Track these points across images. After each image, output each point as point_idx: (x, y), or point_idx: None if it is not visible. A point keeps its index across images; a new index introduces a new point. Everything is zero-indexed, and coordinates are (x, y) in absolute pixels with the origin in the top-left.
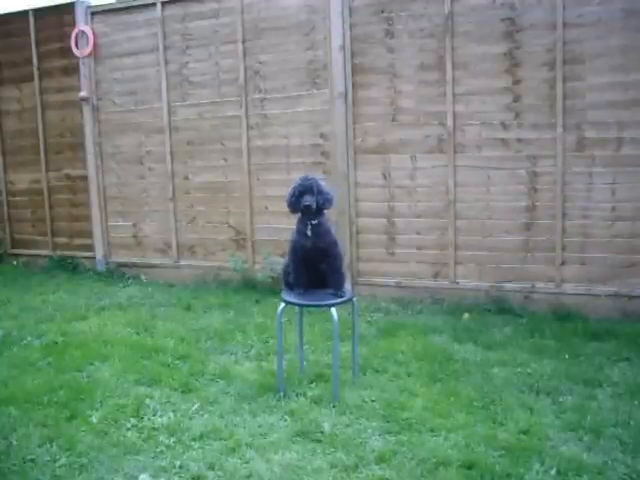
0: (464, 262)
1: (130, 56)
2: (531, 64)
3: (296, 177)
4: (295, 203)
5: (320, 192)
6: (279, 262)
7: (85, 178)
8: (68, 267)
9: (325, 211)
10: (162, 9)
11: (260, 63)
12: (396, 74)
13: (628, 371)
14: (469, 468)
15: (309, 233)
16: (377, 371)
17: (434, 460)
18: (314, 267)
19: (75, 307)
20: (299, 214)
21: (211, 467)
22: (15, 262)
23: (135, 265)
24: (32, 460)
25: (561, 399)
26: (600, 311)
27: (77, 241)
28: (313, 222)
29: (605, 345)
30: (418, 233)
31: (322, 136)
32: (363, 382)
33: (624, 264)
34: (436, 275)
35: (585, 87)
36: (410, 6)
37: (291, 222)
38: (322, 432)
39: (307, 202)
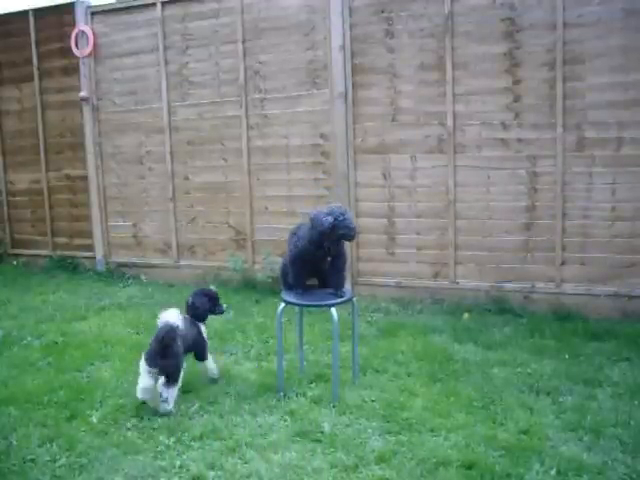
0: (464, 262)
1: (130, 56)
2: (531, 64)
3: (333, 207)
4: (331, 232)
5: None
6: (279, 262)
7: (85, 178)
8: (68, 267)
9: None
10: (162, 9)
11: (260, 63)
12: (396, 74)
13: (628, 371)
14: (469, 468)
15: (326, 249)
16: (377, 371)
17: (434, 460)
18: (316, 268)
19: (75, 307)
20: (317, 226)
21: (211, 467)
22: (15, 262)
23: (135, 265)
24: (32, 460)
25: (561, 399)
26: (600, 311)
27: (77, 241)
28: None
29: (605, 345)
30: (418, 233)
31: (322, 136)
32: (363, 382)
33: (624, 264)
34: (436, 275)
35: (585, 87)
36: (410, 6)
37: (291, 222)
38: (322, 432)
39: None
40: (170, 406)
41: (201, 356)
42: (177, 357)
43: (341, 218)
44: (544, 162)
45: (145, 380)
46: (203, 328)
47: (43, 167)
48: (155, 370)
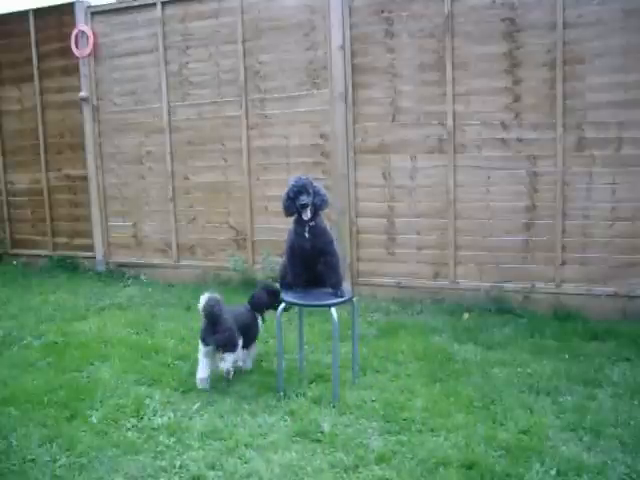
0: (464, 262)
1: (130, 56)
2: (531, 64)
3: (290, 179)
4: (290, 205)
5: (317, 193)
6: (279, 262)
7: (85, 178)
8: (68, 267)
9: (321, 212)
10: (162, 9)
11: (260, 63)
12: (396, 74)
13: (628, 371)
14: (469, 468)
15: (307, 235)
16: (377, 371)
17: (434, 460)
18: (312, 266)
19: (75, 307)
20: (295, 216)
21: (211, 467)
22: (15, 262)
23: (135, 265)
24: (32, 460)
25: (561, 399)
26: (600, 311)
27: (77, 241)
28: (310, 224)
29: (605, 345)
30: (418, 233)
31: (322, 136)
32: (363, 382)
33: (624, 264)
34: (436, 275)
35: (585, 87)
36: (410, 6)
37: (291, 222)
38: (322, 432)
39: (303, 201)
40: (228, 365)
41: (248, 343)
42: (229, 328)
43: (296, 179)
44: (544, 162)
45: (203, 370)
46: (260, 320)
47: (43, 167)
48: (210, 348)
